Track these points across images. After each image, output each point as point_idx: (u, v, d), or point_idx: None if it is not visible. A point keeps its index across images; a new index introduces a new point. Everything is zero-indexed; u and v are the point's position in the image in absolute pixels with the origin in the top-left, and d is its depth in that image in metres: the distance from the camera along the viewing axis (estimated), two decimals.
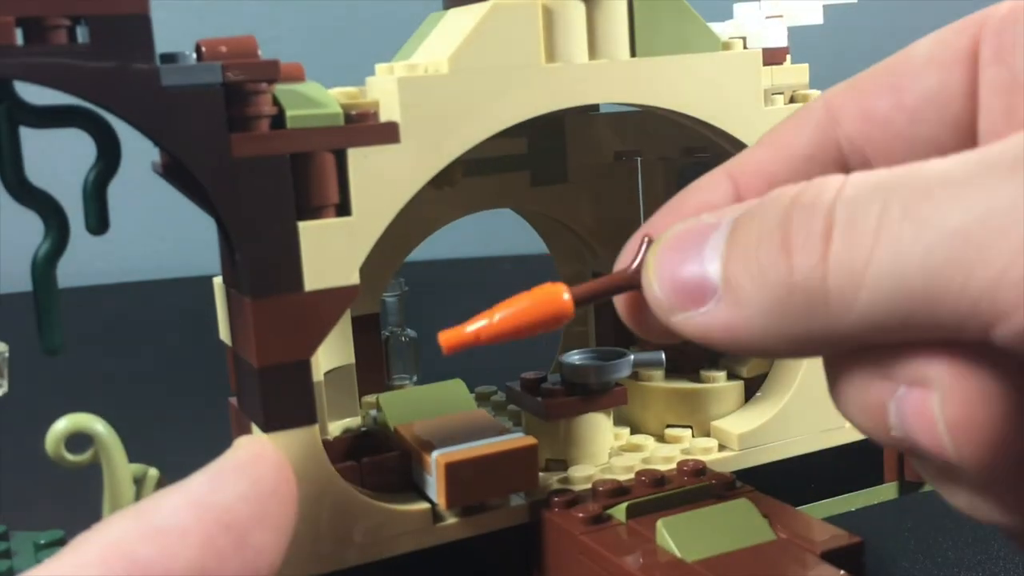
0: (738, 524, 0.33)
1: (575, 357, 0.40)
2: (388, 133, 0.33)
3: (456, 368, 0.47)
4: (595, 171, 0.46)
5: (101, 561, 0.25)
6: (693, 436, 0.41)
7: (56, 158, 0.41)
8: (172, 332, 0.86)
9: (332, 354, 0.40)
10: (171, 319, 0.90)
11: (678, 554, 0.31)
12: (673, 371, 0.44)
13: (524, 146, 0.45)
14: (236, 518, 0.27)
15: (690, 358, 0.44)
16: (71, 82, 0.28)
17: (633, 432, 0.42)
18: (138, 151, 0.33)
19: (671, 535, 0.32)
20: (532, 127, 0.44)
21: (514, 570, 0.36)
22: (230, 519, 0.27)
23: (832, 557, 0.31)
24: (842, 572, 0.30)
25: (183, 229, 0.86)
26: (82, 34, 0.29)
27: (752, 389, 0.42)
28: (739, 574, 0.30)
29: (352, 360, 0.40)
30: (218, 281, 0.36)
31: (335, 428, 0.40)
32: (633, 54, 0.36)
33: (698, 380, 0.42)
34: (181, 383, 0.72)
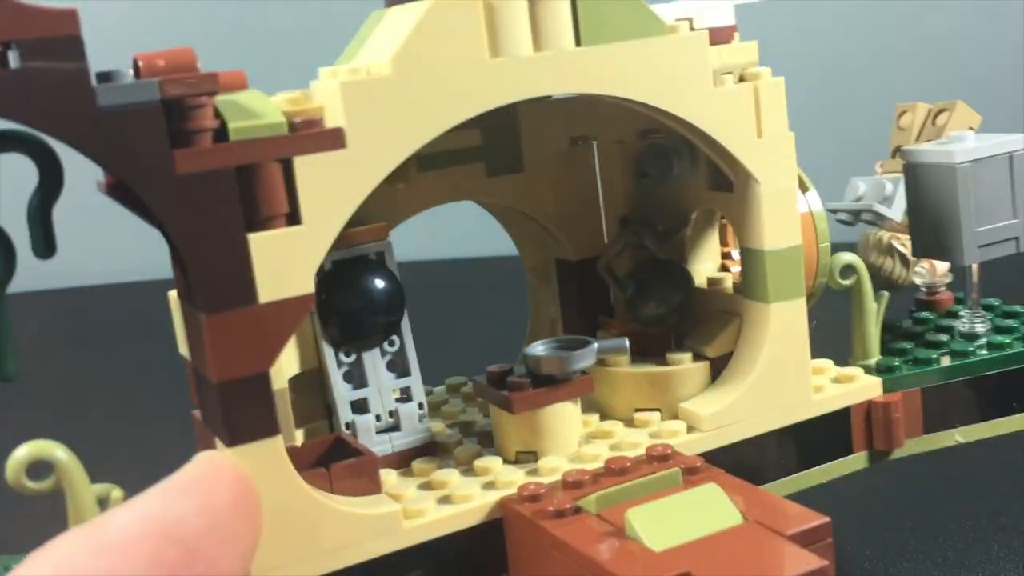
0: (706, 509, 0.33)
1: (539, 348, 0.40)
2: (334, 139, 0.32)
3: (437, 359, 0.47)
4: (551, 158, 0.46)
5: None
6: (662, 419, 0.42)
7: None
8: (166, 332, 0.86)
9: (295, 360, 0.40)
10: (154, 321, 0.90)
11: (647, 544, 0.31)
12: (641, 355, 0.44)
13: (478, 138, 0.44)
14: (186, 532, 0.28)
15: (657, 342, 0.44)
16: (6, 108, 0.28)
17: (603, 418, 0.42)
18: None
19: (639, 525, 0.32)
20: (485, 118, 0.44)
21: (489, 567, 0.37)
22: (179, 533, 0.27)
23: (800, 538, 0.31)
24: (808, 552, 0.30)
25: None
26: (14, 59, 0.28)
27: (719, 369, 0.42)
28: (706, 560, 0.30)
29: (315, 364, 0.40)
30: (173, 295, 0.36)
31: (302, 434, 0.40)
32: (578, 43, 0.36)
33: (664, 363, 0.42)
34: (171, 386, 0.71)
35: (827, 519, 0.32)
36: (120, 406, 0.72)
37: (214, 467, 0.31)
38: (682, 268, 0.44)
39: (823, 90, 1.12)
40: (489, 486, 0.37)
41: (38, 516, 0.32)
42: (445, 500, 0.36)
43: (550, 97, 0.46)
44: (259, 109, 0.32)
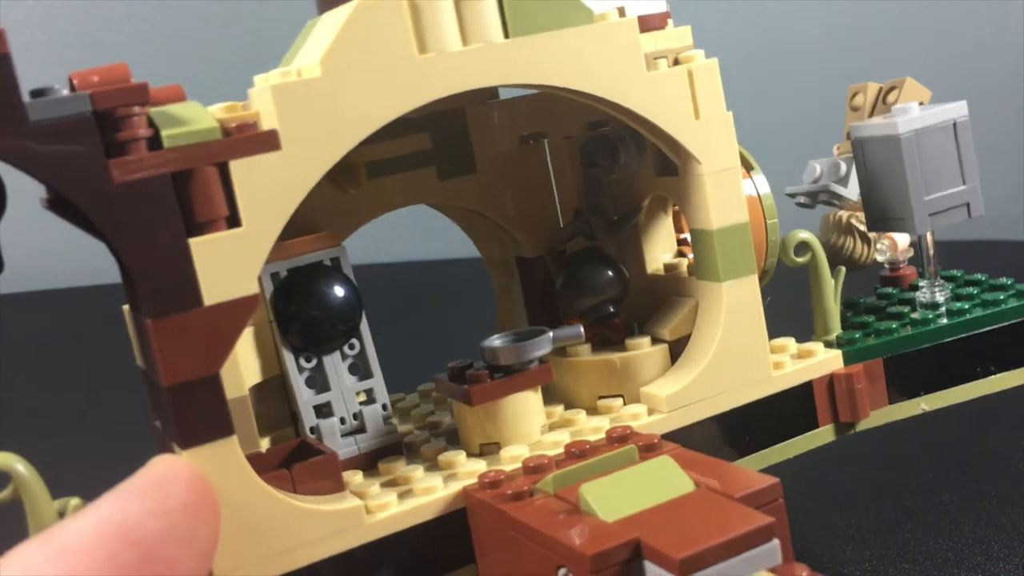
0: (659, 480, 0.33)
1: (495, 340, 0.41)
2: (268, 142, 0.33)
3: (413, 364, 0.48)
4: (503, 158, 0.47)
5: None
6: (624, 404, 0.42)
7: None
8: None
9: (257, 367, 0.41)
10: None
11: (600, 516, 0.32)
12: (603, 344, 0.44)
13: (428, 141, 0.45)
14: (142, 535, 0.28)
15: (617, 330, 0.45)
16: None
17: (567, 408, 0.43)
18: None
19: (592, 499, 0.32)
20: (434, 121, 0.45)
21: (456, 557, 0.37)
22: (135, 536, 0.28)
23: (750, 500, 0.32)
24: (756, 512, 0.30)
25: None
26: None
27: (679, 352, 0.43)
28: (656, 526, 0.30)
29: (277, 371, 0.41)
30: (127, 308, 0.36)
31: (268, 441, 0.41)
32: (507, 36, 0.37)
33: (624, 349, 0.43)
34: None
35: (776, 480, 0.32)
36: (119, 406, 0.73)
37: (169, 469, 0.32)
38: (615, 264, 0.44)
39: (780, 76, 1.13)
40: (452, 478, 0.38)
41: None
42: (408, 494, 0.37)
43: (496, 97, 0.47)
44: (192, 117, 0.32)
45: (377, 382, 0.41)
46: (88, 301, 1.11)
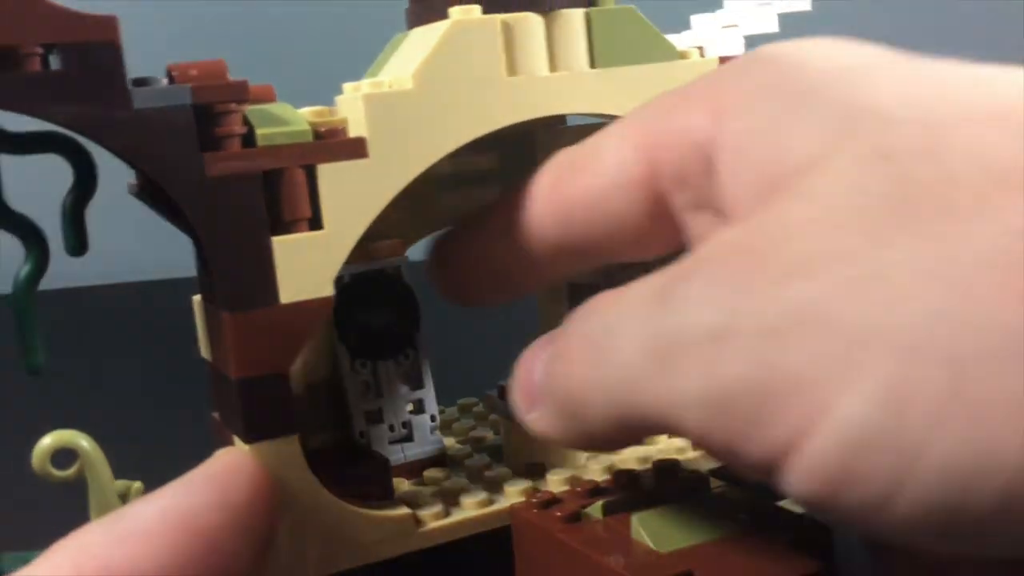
0: (710, 517, 0.33)
1: None
2: (357, 148, 0.34)
3: (448, 376, 0.48)
4: None
5: (74, 565, 0.27)
6: (669, 436, 0.42)
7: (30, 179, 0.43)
8: (176, 333, 0.87)
9: (313, 368, 0.41)
10: (176, 320, 0.91)
11: (652, 546, 0.32)
12: None
13: (496, 160, 0.46)
14: (204, 525, 0.29)
15: None
16: (45, 109, 0.29)
17: None
18: None
19: (644, 529, 0.33)
20: (503, 142, 0.45)
21: (498, 573, 0.37)
22: (198, 525, 0.28)
23: (801, 544, 0.32)
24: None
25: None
26: (55, 62, 0.30)
27: None
28: (708, 561, 0.31)
29: (332, 373, 0.41)
30: (197, 299, 0.37)
31: (318, 442, 0.41)
32: (593, 65, 0.37)
33: None
34: (168, 387, 0.72)
35: (827, 526, 0.33)
36: (120, 407, 0.73)
37: (234, 463, 0.32)
38: None
39: None
40: (498, 495, 0.38)
41: (61, 513, 0.33)
42: (455, 507, 0.37)
43: (565, 122, 0.47)
44: (286, 117, 0.33)
45: (428, 393, 0.42)
46: (89, 301, 1.12)
